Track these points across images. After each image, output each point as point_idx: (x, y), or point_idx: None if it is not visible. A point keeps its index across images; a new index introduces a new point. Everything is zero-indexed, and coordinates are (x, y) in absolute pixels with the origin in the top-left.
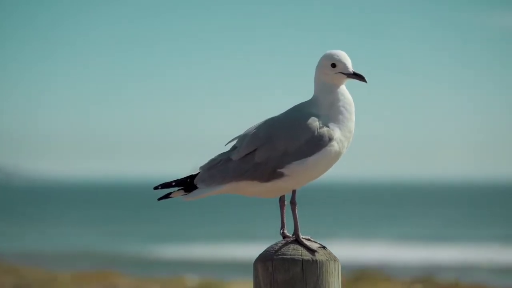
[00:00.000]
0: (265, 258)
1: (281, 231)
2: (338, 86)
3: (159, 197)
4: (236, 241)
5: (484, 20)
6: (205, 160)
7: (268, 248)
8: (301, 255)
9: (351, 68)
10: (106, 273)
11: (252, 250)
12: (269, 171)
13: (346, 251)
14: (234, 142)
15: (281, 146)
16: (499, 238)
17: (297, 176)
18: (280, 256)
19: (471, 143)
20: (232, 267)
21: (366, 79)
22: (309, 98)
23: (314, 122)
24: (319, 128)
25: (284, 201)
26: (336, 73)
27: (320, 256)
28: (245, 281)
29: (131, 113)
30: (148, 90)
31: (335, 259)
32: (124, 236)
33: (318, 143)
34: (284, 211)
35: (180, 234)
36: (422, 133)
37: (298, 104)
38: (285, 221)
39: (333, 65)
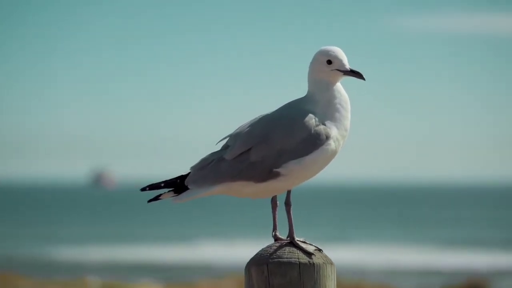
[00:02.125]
0: (259, 262)
1: (273, 233)
2: (334, 83)
3: (148, 199)
4: (141, 242)
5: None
6: (193, 161)
7: (261, 250)
8: (298, 258)
9: (347, 65)
10: (6, 275)
11: (156, 252)
12: (265, 171)
13: None
14: (226, 141)
15: (277, 145)
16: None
17: (294, 176)
18: (276, 260)
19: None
20: (135, 269)
21: (364, 76)
22: (299, 95)
23: (311, 120)
24: (316, 126)
25: (276, 202)
26: (332, 70)
27: (317, 259)
28: (149, 283)
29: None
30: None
31: (331, 263)
32: (22, 238)
33: (315, 141)
34: (277, 212)
35: (81, 235)
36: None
37: (293, 101)
38: (277, 223)
39: (329, 62)
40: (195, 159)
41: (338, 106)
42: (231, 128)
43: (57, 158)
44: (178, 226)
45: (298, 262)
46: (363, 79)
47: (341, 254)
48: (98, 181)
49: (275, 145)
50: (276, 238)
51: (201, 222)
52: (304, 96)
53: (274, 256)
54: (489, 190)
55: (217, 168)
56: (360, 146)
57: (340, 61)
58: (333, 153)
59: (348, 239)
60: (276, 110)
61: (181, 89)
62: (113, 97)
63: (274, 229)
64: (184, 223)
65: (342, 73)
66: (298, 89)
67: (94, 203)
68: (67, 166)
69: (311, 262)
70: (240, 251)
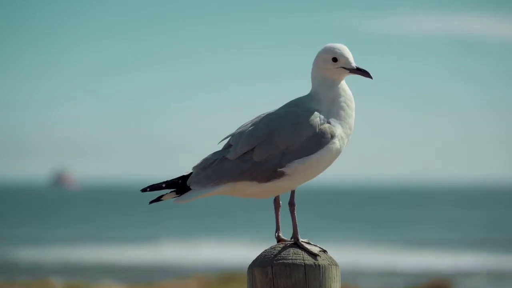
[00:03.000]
0: (263, 263)
1: (276, 234)
2: (339, 81)
3: (149, 200)
4: (105, 243)
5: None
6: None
7: (264, 252)
8: (303, 260)
9: (353, 63)
10: None
11: (119, 252)
12: (269, 171)
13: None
14: (227, 140)
15: (281, 144)
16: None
17: (298, 176)
18: (280, 261)
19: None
20: (98, 270)
21: (371, 74)
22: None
23: (316, 118)
24: (321, 125)
25: (279, 202)
26: (337, 68)
27: (322, 260)
28: (112, 283)
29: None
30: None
31: (336, 264)
32: None
33: (320, 140)
34: (279, 212)
35: (42, 236)
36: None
37: (296, 99)
38: (280, 223)
39: (335, 60)
40: (161, 159)
41: (343, 104)
42: (195, 130)
43: (17, 159)
44: (141, 226)
45: (303, 264)
46: (370, 77)
47: None
48: (58, 181)
49: (279, 145)
50: (279, 239)
51: (163, 222)
52: (308, 94)
53: (279, 258)
54: (457, 191)
55: (220, 168)
56: None
57: (346, 58)
58: (338, 152)
59: (313, 240)
60: (280, 109)
61: (149, 87)
62: (73, 97)
63: (277, 230)
64: (147, 223)
65: (348, 71)
66: (284, 88)
67: (55, 203)
68: (27, 167)
69: (316, 263)
70: (205, 251)
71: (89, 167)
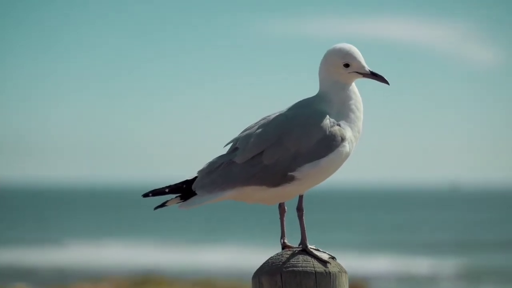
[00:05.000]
0: (272, 271)
1: (282, 240)
2: (350, 84)
3: (154, 206)
4: (14, 245)
5: None
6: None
7: (271, 259)
8: (314, 267)
9: (367, 67)
10: None
11: (29, 255)
12: (278, 175)
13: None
14: (233, 143)
15: (292, 147)
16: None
17: (309, 180)
18: (290, 269)
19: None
20: (7, 273)
21: (387, 80)
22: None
23: (326, 120)
24: (331, 127)
25: (284, 208)
26: (350, 72)
27: (332, 267)
28: (23, 286)
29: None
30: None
31: (345, 271)
32: None
33: (330, 143)
34: (284, 218)
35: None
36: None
37: (304, 100)
38: (285, 229)
39: (346, 65)
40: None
41: (353, 106)
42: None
43: None
44: (51, 228)
45: (314, 271)
46: (387, 83)
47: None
48: None
49: (289, 147)
50: (285, 246)
51: (70, 223)
52: (317, 95)
53: (288, 265)
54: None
55: (228, 172)
56: None
57: (359, 62)
58: (347, 156)
59: (217, 241)
60: (288, 110)
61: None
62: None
63: (282, 236)
64: (53, 225)
65: (362, 76)
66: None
67: None
68: None
69: (327, 271)
70: (112, 252)
71: None
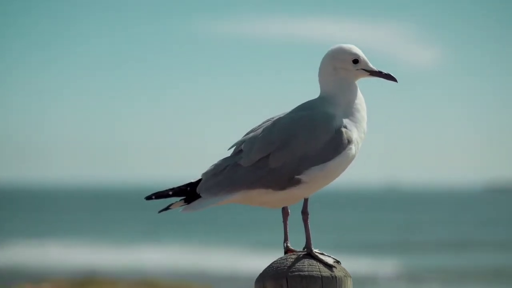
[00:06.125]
0: (277, 275)
1: (285, 244)
2: (355, 83)
3: (159, 209)
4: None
5: None
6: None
7: (275, 263)
8: (320, 271)
9: (371, 65)
10: None
11: None
12: (285, 178)
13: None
14: (237, 146)
15: (299, 150)
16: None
17: (316, 183)
18: (296, 273)
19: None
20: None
21: (395, 77)
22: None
23: (332, 122)
24: (338, 130)
25: (287, 211)
26: (357, 69)
27: (338, 272)
28: None
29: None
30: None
31: (350, 275)
32: None
33: (337, 146)
34: (287, 221)
35: None
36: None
37: (309, 102)
38: (288, 233)
39: (355, 61)
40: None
41: (359, 106)
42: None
43: None
44: None
45: (320, 276)
46: (396, 80)
47: (152, 255)
48: None
49: (296, 150)
50: (288, 250)
51: (11, 224)
52: (320, 96)
53: (294, 269)
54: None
55: (233, 175)
56: None
57: (365, 60)
58: (353, 158)
59: (158, 241)
60: (292, 112)
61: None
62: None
63: (286, 240)
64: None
65: (368, 73)
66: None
67: None
68: None
69: (333, 275)
70: (54, 253)
71: None
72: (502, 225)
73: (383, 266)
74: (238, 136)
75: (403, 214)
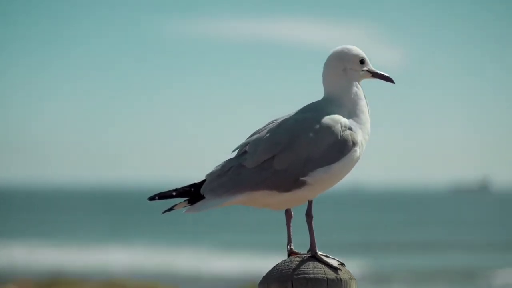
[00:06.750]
0: (282, 278)
1: (288, 246)
2: (359, 84)
3: (163, 210)
4: None
5: None
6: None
7: (279, 266)
8: (325, 274)
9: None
10: None
11: None
12: (290, 180)
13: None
14: (241, 147)
15: (303, 151)
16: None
17: (321, 185)
18: (301, 276)
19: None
20: None
21: (393, 79)
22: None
23: (337, 124)
24: (343, 132)
25: (291, 213)
26: (363, 70)
27: (343, 274)
28: None
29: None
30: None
31: (354, 278)
32: None
33: (342, 148)
34: (291, 224)
35: None
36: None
37: (313, 103)
38: (291, 235)
39: (362, 62)
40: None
41: (364, 108)
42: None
43: None
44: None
45: (325, 278)
46: (393, 82)
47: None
48: None
49: (301, 152)
50: (291, 252)
51: None
52: (325, 98)
53: (299, 272)
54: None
55: (237, 176)
56: None
57: (368, 62)
58: (357, 160)
59: (125, 241)
60: (297, 114)
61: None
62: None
63: (289, 242)
64: None
65: (371, 75)
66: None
67: None
68: None
69: (338, 278)
70: (19, 254)
71: None
72: (467, 226)
73: (349, 267)
74: (238, 137)
75: (368, 215)
